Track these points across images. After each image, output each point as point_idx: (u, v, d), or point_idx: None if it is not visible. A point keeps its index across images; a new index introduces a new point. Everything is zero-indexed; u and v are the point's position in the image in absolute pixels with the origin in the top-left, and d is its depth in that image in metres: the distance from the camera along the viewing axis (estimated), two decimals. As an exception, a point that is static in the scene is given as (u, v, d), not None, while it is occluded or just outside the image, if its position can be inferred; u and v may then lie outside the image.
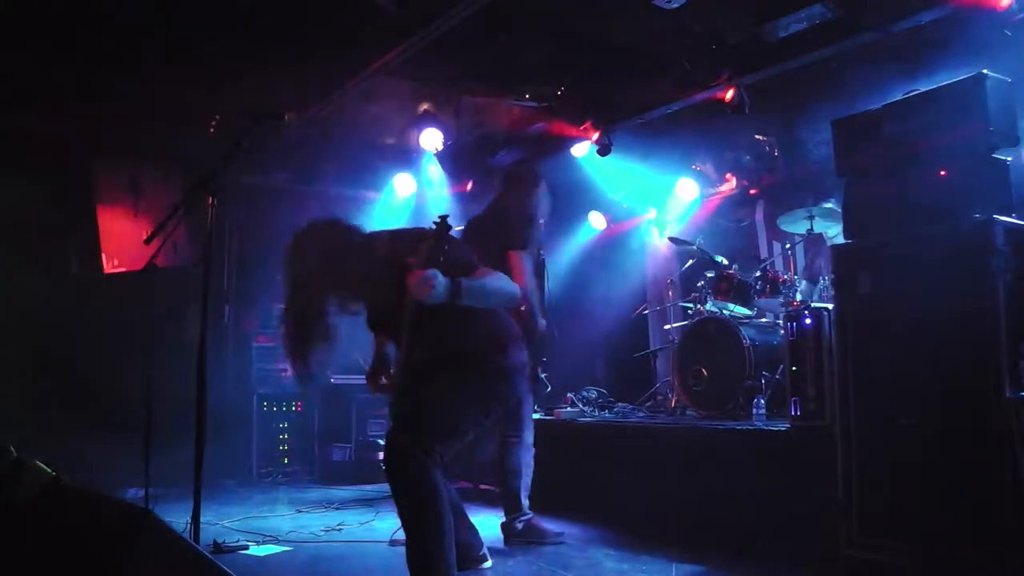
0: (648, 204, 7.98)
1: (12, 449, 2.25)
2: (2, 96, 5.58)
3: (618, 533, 4.39)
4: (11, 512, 2.15)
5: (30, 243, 6.16)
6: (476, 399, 3.01)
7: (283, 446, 6.97)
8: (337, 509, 5.38)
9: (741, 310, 5.65)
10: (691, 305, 6.07)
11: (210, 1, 4.81)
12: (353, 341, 3.20)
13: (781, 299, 5.41)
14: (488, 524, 4.33)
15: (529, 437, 4.33)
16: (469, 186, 7.80)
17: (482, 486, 5.63)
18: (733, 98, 5.67)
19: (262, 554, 4.06)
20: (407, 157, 7.42)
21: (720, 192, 7.55)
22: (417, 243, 2.81)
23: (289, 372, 3.35)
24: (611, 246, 8.18)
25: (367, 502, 5.57)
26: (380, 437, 6.47)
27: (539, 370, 5.06)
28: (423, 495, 2.79)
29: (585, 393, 6.23)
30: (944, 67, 3.83)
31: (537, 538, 4.21)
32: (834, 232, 5.55)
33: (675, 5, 4.71)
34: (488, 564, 3.54)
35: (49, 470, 2.23)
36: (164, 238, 3.68)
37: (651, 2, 4.69)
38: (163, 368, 3.90)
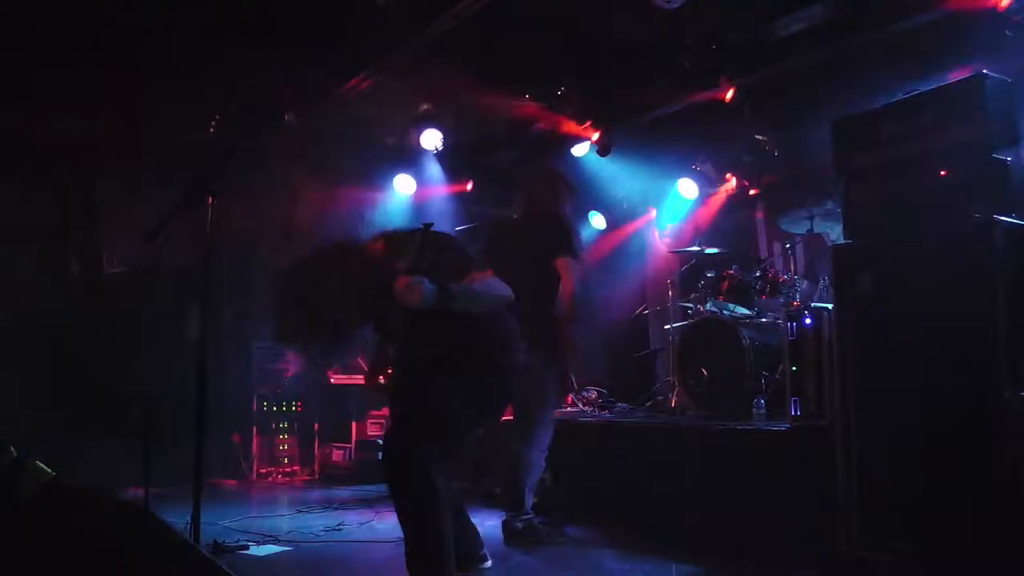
0: (648, 204, 7.98)
1: (12, 449, 2.26)
2: (2, 96, 5.58)
3: (618, 533, 4.39)
4: (11, 512, 2.15)
5: (30, 243, 6.16)
6: (475, 399, 3.02)
7: (283, 446, 6.99)
8: (337, 509, 5.38)
9: (741, 310, 5.64)
10: (691, 305, 6.07)
11: (210, 1, 4.81)
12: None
13: (781, 299, 5.40)
14: (488, 524, 4.32)
15: (544, 439, 4.33)
16: (469, 186, 7.80)
17: (482, 486, 5.63)
18: (733, 98, 5.66)
19: (262, 554, 4.07)
20: (407, 157, 7.42)
21: (720, 192, 7.54)
22: (405, 247, 2.83)
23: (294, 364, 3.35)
24: (611, 246, 8.17)
25: (367, 502, 5.56)
26: (380, 437, 6.47)
27: (570, 375, 5.03)
28: (422, 495, 2.79)
29: (585, 393, 6.23)
30: (944, 67, 3.83)
31: (537, 538, 4.21)
32: (834, 232, 5.55)
33: (675, 5, 4.71)
34: (488, 564, 3.53)
35: (49, 470, 2.23)
36: (164, 238, 3.68)
37: (651, 2, 4.70)
38: (163, 368, 3.90)
